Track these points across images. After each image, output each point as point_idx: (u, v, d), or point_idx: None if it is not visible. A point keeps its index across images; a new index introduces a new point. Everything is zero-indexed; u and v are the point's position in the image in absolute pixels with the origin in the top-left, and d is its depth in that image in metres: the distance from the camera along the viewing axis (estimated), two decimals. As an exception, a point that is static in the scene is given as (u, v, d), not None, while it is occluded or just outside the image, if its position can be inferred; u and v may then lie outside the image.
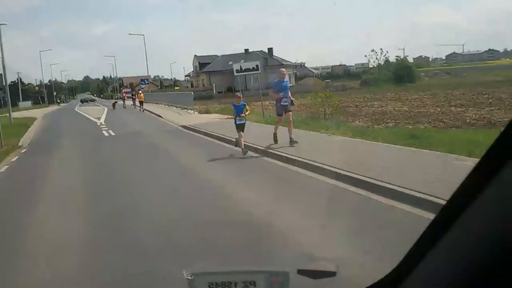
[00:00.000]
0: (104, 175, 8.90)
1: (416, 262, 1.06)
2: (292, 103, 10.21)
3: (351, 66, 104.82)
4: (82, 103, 70.85)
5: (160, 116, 23.71)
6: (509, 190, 0.82)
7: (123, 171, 9.18)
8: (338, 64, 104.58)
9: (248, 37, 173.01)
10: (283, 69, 10.67)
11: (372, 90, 47.38)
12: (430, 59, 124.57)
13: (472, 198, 0.88)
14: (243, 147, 9.46)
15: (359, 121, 18.04)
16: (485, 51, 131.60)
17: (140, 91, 34.15)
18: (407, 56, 75.79)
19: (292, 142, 9.43)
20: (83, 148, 13.44)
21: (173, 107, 29.36)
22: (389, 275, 1.22)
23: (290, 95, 10.09)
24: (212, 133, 13.70)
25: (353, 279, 2.50)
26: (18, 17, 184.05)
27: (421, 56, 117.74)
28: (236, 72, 17.43)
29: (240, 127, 9.70)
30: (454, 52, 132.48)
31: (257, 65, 17.57)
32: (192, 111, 23.96)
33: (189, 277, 1.37)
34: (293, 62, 74.50)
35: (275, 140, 9.81)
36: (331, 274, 1.41)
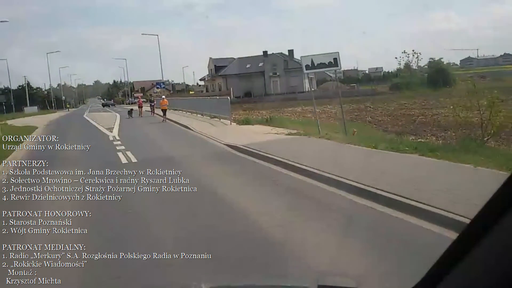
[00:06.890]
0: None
1: (440, 278, 1.04)
2: None
3: (363, 70, 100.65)
4: (104, 107, 73.00)
5: (189, 128, 18.51)
6: None
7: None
8: (351, 68, 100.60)
9: (262, 40, 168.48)
10: None
11: (409, 95, 42.10)
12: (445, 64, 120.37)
13: (498, 216, 0.85)
14: None
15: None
16: (500, 55, 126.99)
17: (163, 97, 28.91)
18: (443, 58, 70.33)
19: None
20: (87, 200, 6.95)
21: (199, 115, 24.49)
22: None
23: None
24: (319, 173, 7.44)
25: None
26: (26, 22, 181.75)
27: (433, 59, 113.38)
28: (306, 68, 12.40)
29: None
30: (469, 57, 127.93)
31: (334, 59, 12.57)
32: (229, 121, 18.97)
33: None
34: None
35: None
36: None
